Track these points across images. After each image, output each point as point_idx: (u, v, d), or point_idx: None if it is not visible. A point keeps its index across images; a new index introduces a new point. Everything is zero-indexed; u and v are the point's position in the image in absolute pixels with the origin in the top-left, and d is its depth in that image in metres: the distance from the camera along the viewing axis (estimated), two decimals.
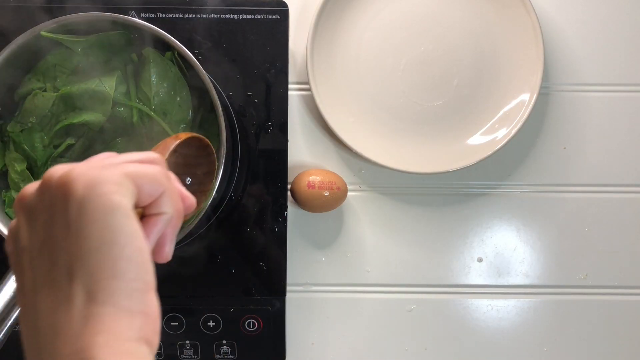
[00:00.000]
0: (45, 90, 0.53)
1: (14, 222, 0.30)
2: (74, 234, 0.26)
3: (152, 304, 0.27)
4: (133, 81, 0.54)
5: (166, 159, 0.42)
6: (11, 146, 0.54)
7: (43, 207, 0.27)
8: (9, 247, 0.30)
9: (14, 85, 0.54)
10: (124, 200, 0.26)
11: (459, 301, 0.66)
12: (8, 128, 0.54)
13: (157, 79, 0.53)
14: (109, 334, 0.25)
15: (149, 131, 0.54)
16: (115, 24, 0.53)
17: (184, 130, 0.55)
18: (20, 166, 0.53)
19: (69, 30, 0.53)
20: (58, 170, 0.27)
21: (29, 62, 0.54)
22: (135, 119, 0.53)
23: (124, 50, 0.55)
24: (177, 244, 0.52)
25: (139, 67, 0.54)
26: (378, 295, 0.66)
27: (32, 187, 0.29)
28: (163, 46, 0.54)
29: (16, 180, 0.54)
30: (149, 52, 0.54)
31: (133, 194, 0.27)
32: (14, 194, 0.55)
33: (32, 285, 0.27)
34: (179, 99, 0.54)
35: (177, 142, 0.44)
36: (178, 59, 0.54)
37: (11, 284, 0.51)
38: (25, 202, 0.28)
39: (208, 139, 0.55)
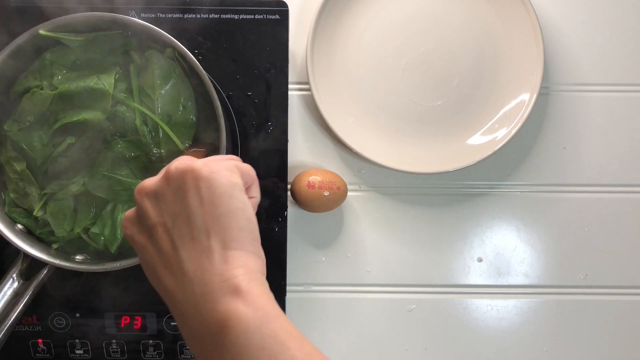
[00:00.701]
0: (42, 89, 0.53)
1: (131, 210, 0.40)
2: (207, 204, 0.36)
3: (262, 251, 0.38)
4: (136, 82, 0.54)
5: None
6: (8, 145, 0.54)
7: (170, 190, 0.37)
8: (128, 230, 0.40)
9: (10, 84, 0.54)
10: (239, 180, 0.38)
11: (459, 301, 0.66)
12: (5, 127, 0.53)
13: (160, 81, 0.53)
14: (245, 267, 0.36)
15: (152, 132, 0.54)
16: (115, 24, 0.53)
17: (187, 133, 0.55)
18: (19, 165, 0.53)
19: (69, 30, 0.53)
20: (180, 163, 0.38)
21: (28, 61, 0.54)
22: (137, 121, 0.53)
23: (124, 50, 0.54)
24: None
25: (141, 69, 0.54)
26: (378, 295, 0.66)
27: (152, 180, 0.39)
28: (163, 46, 0.54)
29: (14, 179, 0.54)
30: (152, 53, 0.53)
31: (241, 179, 0.39)
32: (11, 194, 0.54)
33: (172, 246, 0.36)
34: (182, 100, 0.54)
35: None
36: (179, 58, 0.54)
37: (10, 285, 0.51)
38: (149, 189, 0.38)
39: (208, 138, 0.56)
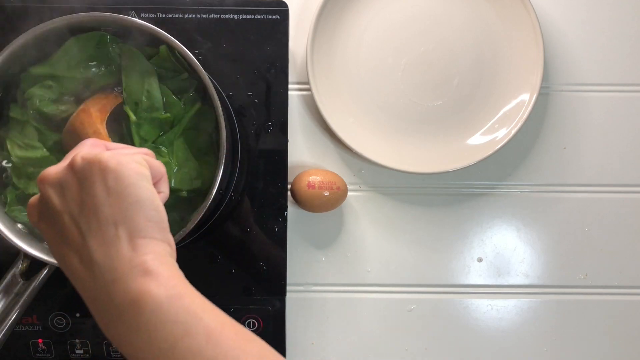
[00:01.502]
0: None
1: (35, 197, 0.40)
2: (114, 195, 0.37)
3: (171, 238, 0.39)
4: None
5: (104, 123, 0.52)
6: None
7: (75, 179, 0.38)
8: (33, 217, 0.40)
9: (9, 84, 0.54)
10: (147, 172, 0.39)
11: (459, 301, 0.66)
12: (11, 113, 0.55)
13: (126, 71, 0.54)
14: (153, 253, 0.37)
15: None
16: (115, 24, 0.53)
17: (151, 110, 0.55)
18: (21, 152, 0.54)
19: (68, 31, 0.53)
20: (86, 153, 0.38)
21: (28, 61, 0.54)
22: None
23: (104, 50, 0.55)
24: (178, 243, 0.52)
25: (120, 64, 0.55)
26: (378, 295, 0.66)
27: (55, 168, 0.39)
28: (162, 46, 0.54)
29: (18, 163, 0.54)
30: (122, 46, 0.54)
31: (149, 172, 0.40)
32: (9, 191, 0.54)
33: (79, 235, 0.37)
34: (146, 86, 0.54)
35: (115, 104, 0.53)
36: (180, 58, 0.54)
37: (11, 284, 0.51)
38: (53, 178, 0.38)
39: (208, 139, 0.56)
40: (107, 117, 0.54)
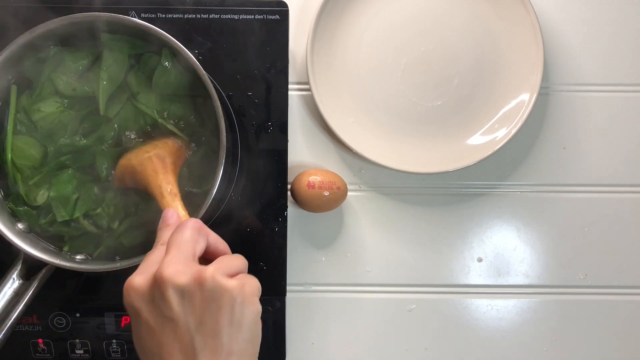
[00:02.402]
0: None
1: (140, 282, 0.41)
2: (236, 326, 0.40)
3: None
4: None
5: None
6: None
7: (202, 296, 0.40)
8: (136, 303, 0.41)
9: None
10: (260, 307, 0.42)
11: (458, 301, 0.66)
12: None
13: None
14: None
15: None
16: (115, 24, 0.53)
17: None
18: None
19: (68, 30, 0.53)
20: (217, 276, 0.40)
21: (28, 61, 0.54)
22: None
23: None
24: None
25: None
26: (378, 295, 0.66)
27: (181, 274, 0.40)
28: (161, 46, 0.54)
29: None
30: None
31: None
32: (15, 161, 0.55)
33: (191, 347, 0.40)
34: (104, 70, 0.54)
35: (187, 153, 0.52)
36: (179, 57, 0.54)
37: (10, 285, 0.51)
38: (177, 283, 0.40)
39: (208, 138, 0.56)
40: (179, 170, 0.53)
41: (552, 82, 0.66)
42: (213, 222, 0.60)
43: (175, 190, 0.50)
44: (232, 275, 0.42)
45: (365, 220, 0.66)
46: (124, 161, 0.53)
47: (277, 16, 0.60)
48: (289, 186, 0.62)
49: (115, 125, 0.55)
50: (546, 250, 0.66)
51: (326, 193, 0.60)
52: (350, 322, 0.66)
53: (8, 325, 0.50)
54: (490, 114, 0.64)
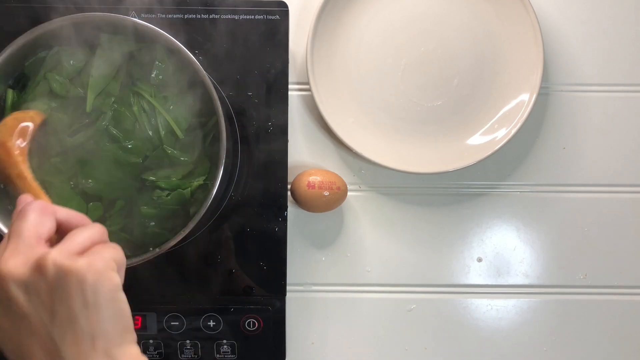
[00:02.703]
0: None
1: None
2: (92, 308, 0.37)
3: (134, 331, 0.40)
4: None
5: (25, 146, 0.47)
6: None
7: (47, 285, 0.36)
8: None
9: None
10: (120, 280, 0.39)
11: (458, 301, 0.66)
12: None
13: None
14: (131, 359, 0.38)
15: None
16: (115, 24, 0.53)
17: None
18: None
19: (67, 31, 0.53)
20: (58, 259, 0.37)
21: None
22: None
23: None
24: (178, 243, 0.52)
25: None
26: (378, 295, 0.66)
27: (17, 267, 0.37)
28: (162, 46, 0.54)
29: None
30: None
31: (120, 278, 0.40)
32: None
33: (51, 342, 0.37)
34: (95, 68, 0.54)
35: (34, 126, 0.48)
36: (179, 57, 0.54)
37: None
38: (17, 277, 0.37)
39: (208, 138, 0.56)
40: (28, 147, 0.48)
41: (552, 82, 0.66)
42: (213, 222, 0.60)
43: (25, 172, 0.47)
44: (83, 251, 0.38)
45: (365, 220, 0.66)
46: None
47: (277, 16, 0.60)
48: (289, 186, 0.62)
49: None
50: (546, 250, 0.66)
51: (326, 193, 0.60)
52: (350, 322, 0.66)
53: None
54: (490, 114, 0.64)
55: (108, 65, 0.54)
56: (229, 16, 0.60)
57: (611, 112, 0.66)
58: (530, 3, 0.61)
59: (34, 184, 0.46)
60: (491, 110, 0.64)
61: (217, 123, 0.52)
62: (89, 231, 0.40)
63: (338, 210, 0.65)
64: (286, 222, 0.61)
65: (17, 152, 0.47)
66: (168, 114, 0.55)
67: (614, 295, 0.66)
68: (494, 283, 0.66)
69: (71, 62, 0.54)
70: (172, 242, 0.51)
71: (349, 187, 0.64)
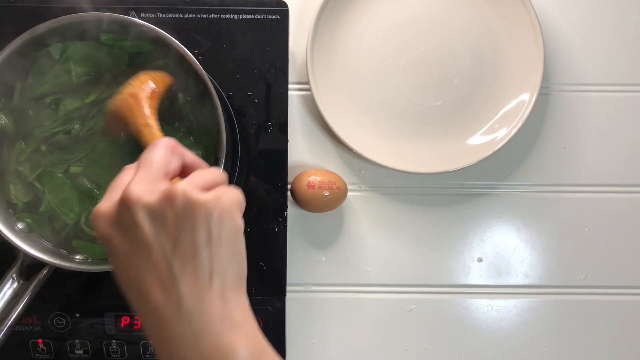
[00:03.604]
0: None
1: (108, 208, 0.38)
2: (215, 244, 0.37)
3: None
4: None
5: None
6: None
7: (174, 215, 0.36)
8: (106, 231, 0.38)
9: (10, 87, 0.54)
10: (242, 222, 0.39)
11: (459, 301, 0.66)
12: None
13: None
14: (242, 308, 0.38)
15: None
16: (115, 24, 0.53)
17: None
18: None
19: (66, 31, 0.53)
20: (189, 190, 0.37)
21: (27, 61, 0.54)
22: None
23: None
24: None
25: None
26: (378, 295, 0.66)
27: (148, 193, 0.37)
28: (163, 46, 0.54)
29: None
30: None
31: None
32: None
33: (169, 272, 0.36)
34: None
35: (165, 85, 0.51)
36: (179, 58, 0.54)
37: (10, 285, 0.51)
38: (146, 202, 0.37)
39: (208, 139, 0.56)
40: (158, 105, 0.51)
41: (552, 82, 0.66)
42: None
43: (152, 122, 0.48)
44: (208, 189, 0.38)
45: (365, 220, 0.66)
46: (107, 110, 0.51)
47: (277, 16, 0.60)
48: (289, 186, 0.62)
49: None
50: (546, 250, 0.66)
51: (326, 193, 0.60)
52: (350, 322, 0.66)
53: (8, 325, 0.50)
54: (490, 114, 0.64)
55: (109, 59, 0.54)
56: (229, 16, 0.60)
57: (611, 112, 0.66)
58: (530, 3, 0.61)
59: (160, 134, 0.48)
60: (491, 110, 0.64)
61: (218, 123, 0.52)
62: (214, 172, 0.40)
63: (338, 210, 0.65)
64: (286, 222, 0.61)
65: (147, 103, 0.49)
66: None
67: (614, 295, 0.66)
68: (494, 283, 0.66)
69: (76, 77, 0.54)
70: None
71: (349, 187, 0.64)
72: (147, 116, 0.48)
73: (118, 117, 0.50)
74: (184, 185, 0.37)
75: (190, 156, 0.42)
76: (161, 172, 0.38)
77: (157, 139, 0.46)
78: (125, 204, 0.37)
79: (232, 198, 0.38)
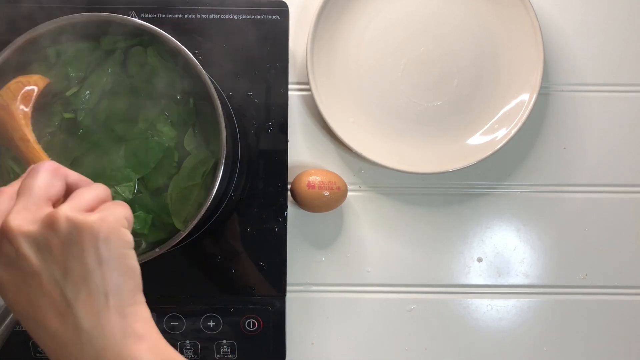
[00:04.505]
0: None
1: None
2: (105, 264, 0.36)
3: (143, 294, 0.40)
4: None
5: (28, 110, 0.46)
6: None
7: (59, 241, 0.36)
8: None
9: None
10: (131, 237, 0.39)
11: (459, 301, 0.66)
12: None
13: None
14: (142, 319, 0.38)
15: None
16: (115, 24, 0.53)
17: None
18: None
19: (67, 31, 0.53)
20: (71, 214, 0.36)
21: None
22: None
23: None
24: (178, 243, 0.52)
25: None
26: (378, 295, 0.66)
27: (28, 221, 0.36)
28: (163, 46, 0.54)
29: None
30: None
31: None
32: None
33: (63, 299, 0.36)
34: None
35: (38, 90, 0.47)
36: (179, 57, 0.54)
37: None
38: (28, 231, 0.36)
39: (208, 139, 0.56)
40: (32, 111, 0.48)
41: (552, 82, 0.66)
42: (213, 222, 0.60)
43: (29, 135, 0.45)
44: (93, 208, 0.38)
45: (365, 220, 0.66)
46: None
47: (277, 16, 0.60)
48: (289, 186, 0.62)
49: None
50: (546, 250, 0.66)
51: (326, 193, 0.60)
52: (350, 322, 0.66)
53: (8, 325, 0.50)
54: (490, 114, 0.64)
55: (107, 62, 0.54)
56: (229, 16, 0.60)
57: (611, 112, 0.66)
58: (530, 3, 0.61)
59: (37, 147, 0.45)
60: (491, 110, 0.64)
61: (218, 123, 0.52)
62: (97, 190, 0.40)
63: (338, 210, 0.65)
64: (286, 222, 0.61)
65: (20, 115, 0.46)
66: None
67: (614, 295, 0.66)
68: (494, 283, 0.66)
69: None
70: (172, 243, 0.51)
71: (349, 187, 0.64)
72: (23, 129, 0.46)
73: None
74: (66, 210, 0.36)
75: (74, 176, 0.41)
76: (42, 198, 0.38)
77: (34, 153, 0.44)
78: (7, 235, 0.36)
79: (117, 215, 0.38)
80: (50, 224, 0.36)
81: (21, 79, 0.48)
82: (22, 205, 0.37)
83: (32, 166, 0.39)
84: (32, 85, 0.48)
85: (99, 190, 0.40)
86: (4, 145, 0.48)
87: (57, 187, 0.39)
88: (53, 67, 0.53)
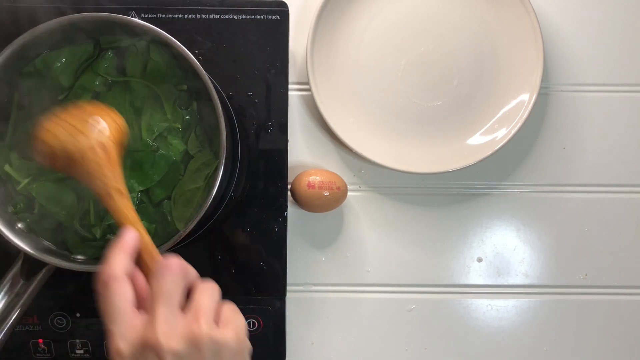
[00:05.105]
0: None
1: (125, 348, 0.38)
2: None
3: None
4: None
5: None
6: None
7: (201, 357, 0.38)
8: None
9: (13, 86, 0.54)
10: (250, 345, 0.42)
11: (458, 301, 0.66)
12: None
13: None
14: None
15: None
16: (115, 24, 0.53)
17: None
18: None
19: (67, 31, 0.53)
20: (213, 333, 0.39)
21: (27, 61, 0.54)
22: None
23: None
24: (178, 244, 0.52)
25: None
26: (378, 295, 0.66)
27: (175, 338, 0.38)
28: (163, 46, 0.54)
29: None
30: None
31: None
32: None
33: None
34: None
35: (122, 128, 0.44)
36: (179, 57, 0.54)
37: (11, 285, 0.51)
38: (175, 348, 0.38)
39: (208, 139, 0.56)
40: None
41: (552, 82, 0.66)
42: (213, 222, 0.60)
43: (123, 188, 0.42)
44: (218, 316, 0.41)
45: (365, 220, 0.66)
46: (49, 137, 0.43)
47: (277, 16, 0.60)
48: (289, 186, 0.62)
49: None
50: (546, 250, 0.66)
51: (326, 193, 0.60)
52: (350, 322, 0.66)
53: (8, 325, 0.50)
54: (490, 114, 0.64)
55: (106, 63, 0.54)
56: (229, 16, 0.60)
57: (611, 112, 0.66)
58: (530, 3, 0.61)
59: (131, 206, 0.41)
60: (491, 110, 0.64)
61: (217, 123, 0.52)
62: (213, 293, 0.42)
63: (338, 210, 0.65)
64: (286, 222, 0.61)
65: (119, 160, 0.41)
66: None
67: (614, 295, 0.66)
68: (494, 283, 0.66)
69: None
70: (172, 243, 0.51)
71: (349, 187, 0.64)
72: (120, 181, 0.42)
73: (74, 161, 0.42)
74: (205, 327, 0.39)
75: (192, 272, 0.42)
76: (177, 306, 0.39)
77: (129, 211, 0.42)
78: (152, 349, 0.38)
79: (244, 327, 0.42)
80: (195, 343, 0.38)
81: (112, 114, 0.43)
82: (161, 314, 0.38)
83: (164, 264, 0.40)
84: (120, 123, 0.43)
85: (214, 292, 0.42)
86: (76, 175, 0.42)
87: (184, 288, 0.41)
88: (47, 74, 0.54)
